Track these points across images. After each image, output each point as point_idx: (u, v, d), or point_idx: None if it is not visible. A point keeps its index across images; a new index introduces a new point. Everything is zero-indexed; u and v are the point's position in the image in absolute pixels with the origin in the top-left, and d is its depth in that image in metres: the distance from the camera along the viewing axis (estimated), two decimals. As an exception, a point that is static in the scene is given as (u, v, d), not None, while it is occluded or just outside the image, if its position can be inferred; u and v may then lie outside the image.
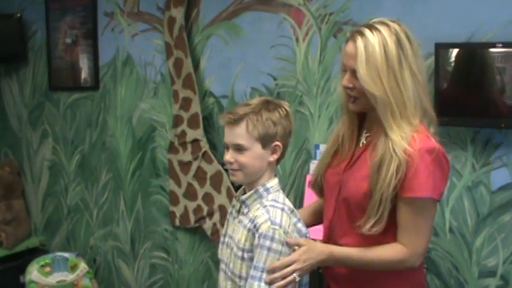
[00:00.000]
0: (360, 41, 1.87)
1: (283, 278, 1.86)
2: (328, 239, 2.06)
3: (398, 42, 1.87)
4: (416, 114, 1.89)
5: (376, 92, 1.85)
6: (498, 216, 2.81)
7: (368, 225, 1.87)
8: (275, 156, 1.98)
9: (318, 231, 2.19)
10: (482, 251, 2.87)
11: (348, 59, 1.91)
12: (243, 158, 1.93)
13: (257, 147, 1.94)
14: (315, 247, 1.93)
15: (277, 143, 1.96)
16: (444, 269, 2.96)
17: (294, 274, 1.86)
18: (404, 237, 1.88)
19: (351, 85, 1.93)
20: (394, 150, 1.83)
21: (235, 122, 1.93)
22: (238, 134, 1.93)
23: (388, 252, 1.90)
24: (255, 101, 2.00)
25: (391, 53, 1.86)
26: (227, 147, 1.98)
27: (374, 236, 1.89)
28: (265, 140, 1.94)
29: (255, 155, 1.94)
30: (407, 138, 1.84)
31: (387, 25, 1.89)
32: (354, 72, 1.90)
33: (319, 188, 2.18)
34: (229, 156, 1.96)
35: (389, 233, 1.90)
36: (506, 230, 2.80)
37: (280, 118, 1.96)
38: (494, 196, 2.82)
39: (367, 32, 1.88)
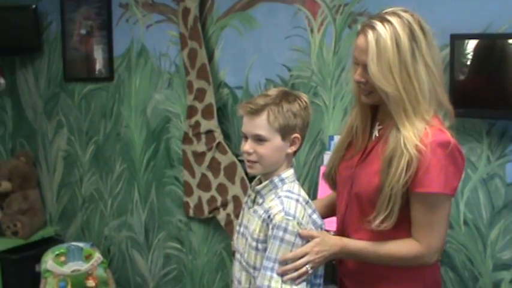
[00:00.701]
0: (371, 36, 1.83)
1: (296, 269, 1.85)
2: (341, 233, 2.05)
3: (412, 35, 1.83)
4: (430, 109, 1.86)
5: (387, 89, 1.82)
6: (513, 208, 2.80)
7: (377, 221, 1.85)
8: (293, 148, 1.98)
9: (333, 222, 2.19)
10: (497, 243, 2.85)
11: (360, 53, 1.88)
12: (262, 149, 1.92)
13: (277, 139, 1.93)
14: (329, 239, 1.92)
15: (296, 135, 1.96)
16: (458, 261, 2.95)
17: (307, 266, 1.86)
18: (418, 233, 1.86)
19: (363, 80, 1.90)
20: (405, 145, 1.80)
21: (256, 112, 1.92)
22: (259, 124, 1.92)
23: (402, 247, 1.89)
24: (274, 91, 1.98)
25: (404, 46, 1.81)
26: (245, 137, 1.97)
27: (386, 232, 1.87)
28: (285, 132, 1.93)
29: (274, 147, 1.93)
30: (420, 133, 1.81)
31: (399, 16, 1.84)
32: (365, 67, 1.86)
33: (332, 180, 2.17)
34: (248, 146, 1.95)
35: (401, 228, 1.88)
36: (521, 222, 2.79)
37: (300, 109, 1.95)
38: (509, 188, 2.80)
39: (378, 25, 1.83)
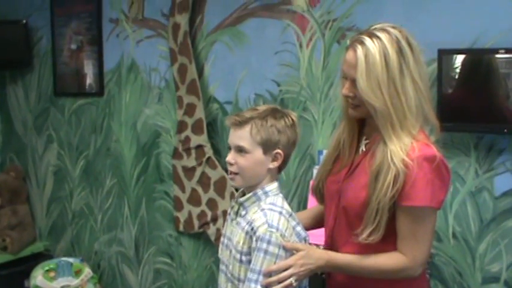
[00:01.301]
0: (360, 51, 1.84)
1: (280, 282, 1.86)
2: (330, 247, 2.05)
3: (400, 50, 1.84)
4: (417, 124, 1.87)
5: (375, 104, 1.83)
6: (502, 221, 2.81)
7: (365, 234, 1.85)
8: (275, 164, 1.98)
9: (321, 236, 2.20)
10: (485, 256, 2.86)
11: (348, 68, 1.88)
12: (243, 161, 1.95)
13: (258, 152, 1.94)
14: (314, 252, 1.92)
15: (278, 150, 1.96)
16: (447, 274, 2.96)
17: (291, 279, 1.86)
18: (404, 245, 1.87)
19: (351, 94, 1.90)
20: (392, 160, 1.81)
21: (240, 124, 1.95)
22: (241, 136, 1.94)
23: (388, 260, 1.89)
24: (264, 107, 2.01)
25: (392, 62, 1.82)
26: (229, 148, 2.00)
27: (374, 245, 1.87)
28: (267, 146, 1.94)
29: (255, 160, 1.95)
30: (406, 148, 1.82)
31: (388, 32, 1.86)
32: (354, 82, 1.87)
33: (320, 194, 2.18)
34: (230, 156, 1.98)
35: (389, 241, 1.88)
36: (509, 235, 2.80)
37: (285, 127, 1.97)
38: (497, 202, 2.81)
39: (367, 40, 1.84)
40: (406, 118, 1.85)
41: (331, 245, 2.05)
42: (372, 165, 1.87)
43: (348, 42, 1.96)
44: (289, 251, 1.89)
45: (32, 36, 4.52)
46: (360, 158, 2.00)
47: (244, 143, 1.94)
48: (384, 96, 1.82)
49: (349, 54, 1.88)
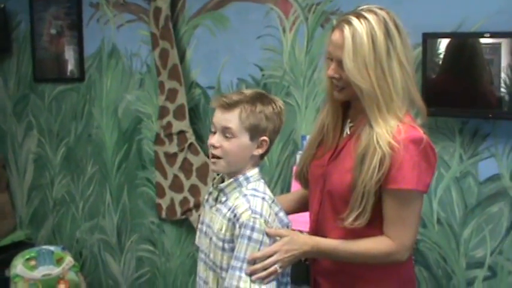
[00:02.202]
0: (347, 31, 1.82)
1: (265, 268, 1.83)
2: (315, 232, 2.03)
3: (387, 32, 1.83)
4: (403, 106, 1.86)
5: (362, 85, 1.81)
6: (486, 207, 2.80)
7: (351, 218, 1.84)
8: (260, 151, 1.96)
9: (304, 222, 2.17)
10: (470, 242, 2.86)
11: (335, 48, 1.87)
12: (228, 145, 1.91)
13: (245, 137, 1.91)
14: (298, 238, 1.90)
15: (265, 137, 1.94)
16: (432, 260, 2.95)
17: (276, 265, 1.83)
18: (391, 229, 1.86)
19: (337, 75, 1.89)
20: (378, 142, 1.80)
21: (229, 106, 1.90)
22: (230, 118, 1.90)
23: (374, 245, 1.87)
24: (250, 91, 1.98)
25: (380, 44, 1.81)
26: (214, 132, 1.94)
27: (360, 230, 1.86)
28: (254, 132, 1.91)
29: (240, 145, 1.91)
30: (392, 130, 1.81)
31: (375, 13, 1.85)
32: (340, 63, 1.85)
33: (304, 179, 2.15)
34: (214, 140, 1.93)
35: (375, 226, 1.87)
36: (494, 221, 2.80)
37: (273, 114, 1.94)
38: (482, 187, 2.81)
39: (354, 21, 1.82)
40: (392, 100, 1.83)
41: (316, 230, 2.04)
42: (358, 149, 1.85)
43: (335, 22, 1.94)
44: (273, 238, 1.86)
45: (10, 21, 4.43)
46: (344, 141, 1.98)
47: (232, 125, 1.89)
48: (371, 78, 1.81)
49: (336, 35, 1.86)
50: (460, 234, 2.88)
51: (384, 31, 1.83)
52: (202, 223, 2.07)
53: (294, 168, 3.05)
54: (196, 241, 2.10)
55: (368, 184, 1.80)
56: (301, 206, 2.23)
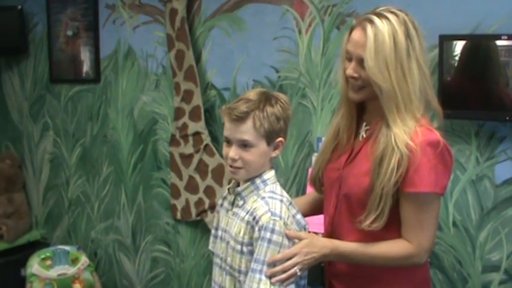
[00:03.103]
0: (369, 29, 1.82)
1: (284, 271, 1.83)
2: (330, 235, 2.03)
3: (407, 33, 1.84)
4: (421, 108, 1.86)
5: (383, 84, 1.81)
6: (502, 210, 2.79)
7: (368, 221, 1.84)
8: (277, 152, 1.95)
9: (319, 224, 2.17)
10: (486, 245, 2.84)
11: (356, 47, 1.86)
12: (248, 156, 1.88)
13: (262, 144, 1.90)
14: (317, 241, 1.90)
15: (280, 138, 1.93)
16: (447, 263, 2.94)
17: (296, 268, 1.83)
18: (409, 232, 1.85)
19: (356, 75, 1.88)
20: (396, 143, 1.79)
21: (241, 119, 1.87)
22: (245, 130, 1.87)
23: (393, 248, 1.87)
24: (254, 95, 1.93)
25: (401, 43, 1.82)
26: (228, 142, 1.93)
27: (376, 233, 1.86)
28: (270, 137, 1.90)
29: (260, 152, 1.90)
30: (410, 132, 1.80)
31: (396, 14, 1.85)
32: (360, 61, 1.85)
33: (319, 183, 2.15)
34: (233, 153, 1.89)
35: (391, 229, 1.87)
36: (510, 224, 2.78)
37: (282, 112, 1.92)
38: (498, 190, 2.79)
39: (376, 20, 1.83)
40: (411, 101, 1.83)
41: (331, 233, 2.03)
42: (375, 151, 1.85)
43: (354, 22, 1.92)
44: (292, 240, 1.86)
45: (27, 23, 4.47)
46: (360, 144, 1.97)
47: (249, 137, 1.87)
48: (391, 77, 1.81)
49: (357, 33, 1.86)
50: (476, 238, 2.86)
51: (405, 31, 1.83)
52: (217, 228, 2.06)
53: (310, 170, 3.05)
54: (210, 246, 2.09)
55: (386, 186, 1.80)
56: (315, 209, 2.23)
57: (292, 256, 1.83)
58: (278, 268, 1.81)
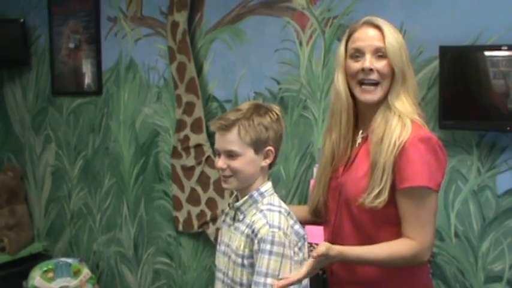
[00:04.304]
0: (379, 22, 1.95)
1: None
2: (331, 243, 2.02)
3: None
4: (418, 97, 2.02)
5: (399, 64, 1.92)
6: (504, 220, 2.79)
7: (371, 196, 1.87)
8: (268, 161, 1.96)
9: (319, 236, 2.17)
10: (488, 255, 2.84)
11: (370, 40, 1.94)
12: (236, 164, 1.91)
13: (250, 153, 1.91)
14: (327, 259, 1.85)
15: (269, 147, 1.94)
16: (450, 273, 2.94)
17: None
18: (410, 230, 1.87)
19: (373, 66, 1.93)
20: (395, 114, 1.90)
21: (227, 127, 1.90)
22: (230, 140, 1.90)
23: (398, 247, 1.88)
24: (245, 105, 1.97)
25: (401, 37, 1.97)
26: (219, 154, 1.96)
27: (375, 236, 1.90)
28: (257, 145, 1.91)
29: (247, 161, 1.92)
30: (408, 112, 1.91)
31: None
32: (376, 52, 1.93)
33: (323, 210, 2.13)
34: (221, 162, 1.93)
35: (387, 231, 1.91)
36: (512, 234, 2.78)
37: (271, 122, 1.94)
38: (500, 200, 2.79)
39: (379, 19, 1.97)
40: (414, 88, 1.97)
41: (332, 241, 2.02)
42: (375, 134, 1.92)
43: (353, 26, 2.02)
44: (292, 248, 1.85)
45: (29, 35, 4.49)
46: (357, 149, 2.02)
47: (234, 147, 1.90)
48: (403, 60, 1.94)
49: (366, 30, 1.97)
50: (478, 248, 2.86)
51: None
52: (220, 244, 2.07)
53: (312, 181, 3.06)
54: (216, 261, 2.10)
55: (388, 160, 1.85)
56: (315, 217, 2.23)
57: (300, 279, 1.79)
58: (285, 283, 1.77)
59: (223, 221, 2.08)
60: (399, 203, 1.88)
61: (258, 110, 1.94)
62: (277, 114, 1.97)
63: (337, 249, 1.86)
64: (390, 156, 1.85)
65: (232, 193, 2.09)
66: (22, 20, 4.43)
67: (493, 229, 2.82)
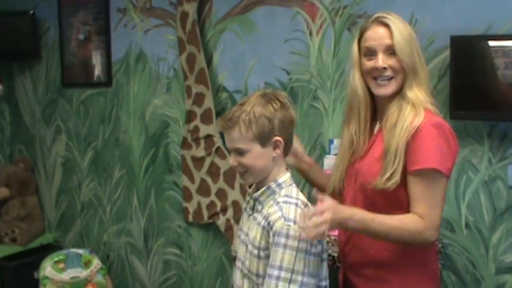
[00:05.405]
0: (388, 20, 2.00)
1: (315, 226, 1.79)
2: (345, 230, 2.09)
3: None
4: (431, 87, 2.12)
5: (409, 60, 1.98)
6: (516, 211, 2.78)
7: (384, 178, 1.92)
8: (278, 151, 1.94)
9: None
10: (499, 246, 2.83)
11: (381, 39, 2.00)
12: (245, 160, 1.91)
13: (256, 147, 1.91)
14: (339, 205, 1.90)
15: (276, 138, 1.92)
16: (460, 265, 2.93)
17: (323, 227, 1.79)
18: (419, 208, 1.91)
19: (386, 65, 1.99)
20: (412, 104, 1.96)
21: (230, 126, 1.91)
22: (235, 138, 1.91)
23: (408, 220, 1.91)
24: (248, 98, 1.96)
25: (411, 32, 2.03)
26: (229, 152, 1.98)
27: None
28: (262, 138, 1.90)
29: (255, 155, 1.91)
30: (418, 111, 1.95)
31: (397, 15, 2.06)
32: (387, 50, 1.99)
33: (339, 193, 2.18)
34: (232, 160, 1.96)
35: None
36: (524, 225, 2.77)
37: (274, 112, 1.91)
38: (511, 191, 2.78)
39: (387, 15, 2.02)
40: (426, 79, 2.04)
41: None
42: (389, 121, 1.99)
43: (364, 25, 2.09)
44: (309, 241, 1.84)
45: (39, 27, 4.49)
46: (373, 138, 2.08)
47: (240, 144, 1.91)
48: (414, 55, 2.00)
49: (376, 29, 2.04)
50: (489, 239, 2.85)
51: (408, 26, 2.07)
52: (241, 231, 2.07)
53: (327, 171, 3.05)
54: (233, 247, 2.11)
55: (400, 143, 1.91)
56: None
57: (323, 212, 1.81)
58: (309, 223, 1.78)
59: (245, 208, 2.09)
60: (410, 184, 1.93)
61: (260, 101, 1.92)
62: (280, 101, 1.94)
63: (352, 211, 1.91)
64: (402, 140, 1.91)
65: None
66: (32, 12, 4.43)
67: (504, 220, 2.80)
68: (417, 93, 1.98)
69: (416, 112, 1.94)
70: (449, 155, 1.94)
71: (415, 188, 1.92)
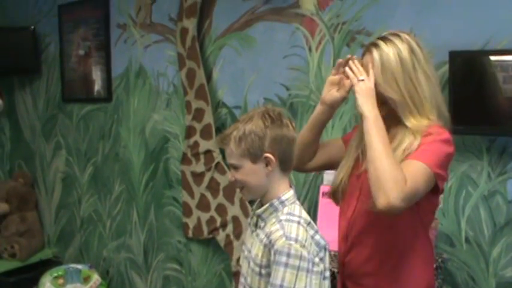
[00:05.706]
0: (375, 52, 2.02)
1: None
2: (346, 237, 2.13)
3: (411, 49, 2.02)
4: (433, 111, 2.02)
5: (394, 96, 1.99)
6: (515, 226, 2.78)
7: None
8: (270, 168, 1.92)
9: (332, 242, 2.17)
10: (499, 261, 2.82)
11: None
12: (239, 176, 1.93)
13: (247, 164, 1.91)
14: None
15: (266, 154, 1.91)
16: (461, 279, 2.92)
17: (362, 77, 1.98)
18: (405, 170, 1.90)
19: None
20: (413, 133, 1.96)
21: (224, 143, 1.94)
22: (228, 153, 1.94)
23: (399, 166, 1.90)
24: (247, 115, 1.97)
25: (405, 58, 2.00)
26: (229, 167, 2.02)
27: (390, 233, 2.00)
28: (252, 155, 1.90)
29: (247, 171, 1.92)
30: (424, 126, 1.97)
31: (399, 36, 2.05)
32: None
33: (341, 192, 2.19)
34: (230, 175, 2.00)
35: (400, 236, 2.02)
36: (523, 240, 2.77)
37: (264, 128, 1.90)
38: (511, 205, 2.78)
39: (381, 43, 2.03)
40: (422, 105, 2.01)
41: (347, 235, 2.14)
42: (392, 142, 1.99)
43: (364, 49, 2.13)
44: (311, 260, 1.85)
45: (40, 43, 4.52)
46: None
47: (233, 160, 1.93)
48: (401, 89, 1.99)
49: (366, 58, 2.10)
50: (489, 254, 2.84)
51: (408, 48, 2.02)
52: (244, 248, 2.07)
53: (322, 187, 3.06)
54: (233, 263, 2.12)
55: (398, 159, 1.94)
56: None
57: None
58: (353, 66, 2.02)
59: (249, 224, 2.09)
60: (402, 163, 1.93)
61: (254, 117, 1.92)
62: (271, 117, 1.92)
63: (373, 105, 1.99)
64: (399, 158, 1.93)
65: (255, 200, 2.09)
66: (32, 27, 4.46)
67: (504, 234, 2.80)
68: (413, 122, 1.99)
69: (415, 139, 1.96)
70: (446, 166, 1.97)
71: (404, 164, 1.90)
